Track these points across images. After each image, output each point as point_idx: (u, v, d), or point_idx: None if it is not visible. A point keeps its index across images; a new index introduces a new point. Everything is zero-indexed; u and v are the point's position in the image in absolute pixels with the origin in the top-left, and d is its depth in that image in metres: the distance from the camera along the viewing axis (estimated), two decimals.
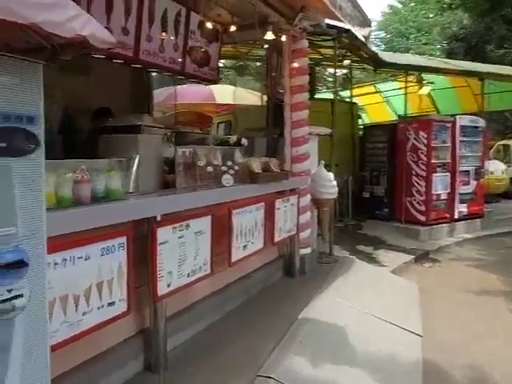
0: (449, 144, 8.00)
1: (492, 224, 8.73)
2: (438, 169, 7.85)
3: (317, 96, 12.29)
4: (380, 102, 16.26)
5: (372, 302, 4.42)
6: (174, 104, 10.95)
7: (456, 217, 8.15)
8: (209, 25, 4.43)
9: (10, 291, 1.47)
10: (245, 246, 3.66)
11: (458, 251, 7.41)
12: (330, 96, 15.74)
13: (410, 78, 13.67)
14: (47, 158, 1.68)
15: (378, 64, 7.53)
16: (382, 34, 37.48)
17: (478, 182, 8.45)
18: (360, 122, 16.19)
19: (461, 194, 8.18)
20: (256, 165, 3.76)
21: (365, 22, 4.10)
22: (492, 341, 3.96)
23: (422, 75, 13.46)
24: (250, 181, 3.69)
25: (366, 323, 3.93)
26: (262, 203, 3.90)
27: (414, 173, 7.92)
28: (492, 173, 9.56)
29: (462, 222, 8.28)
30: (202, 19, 4.42)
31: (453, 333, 4.13)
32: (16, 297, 1.49)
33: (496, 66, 11.52)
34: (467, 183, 8.31)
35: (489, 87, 14.85)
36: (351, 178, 8.58)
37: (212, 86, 12.25)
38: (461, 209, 8.20)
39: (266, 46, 5.19)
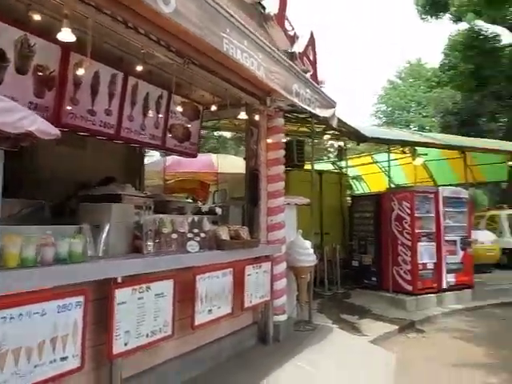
0: (433, 214, 8.24)
1: (483, 295, 8.69)
2: (422, 238, 8.02)
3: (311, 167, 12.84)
4: (377, 173, 16.79)
5: (341, 370, 4.46)
6: (175, 172, 11.54)
7: (444, 287, 8.17)
8: (189, 105, 4.95)
9: None
10: (210, 311, 3.84)
11: (445, 322, 7.36)
12: (330, 166, 16.40)
13: (405, 150, 14.30)
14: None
15: (359, 138, 8.02)
16: (384, 107, 39.37)
17: (465, 251, 8.56)
18: (356, 191, 16.64)
19: (448, 263, 8.26)
20: (224, 232, 4.03)
21: (327, 105, 4.57)
22: None
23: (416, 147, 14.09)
24: (216, 247, 3.95)
25: None
26: (230, 269, 4.12)
27: (399, 242, 8.10)
28: (482, 243, 9.67)
29: (451, 292, 8.27)
30: (183, 100, 4.95)
31: None
32: None
33: (481, 139, 12.02)
34: (454, 253, 8.42)
35: (481, 159, 15.39)
36: (339, 247, 8.78)
37: (213, 155, 12.94)
38: (449, 279, 8.24)
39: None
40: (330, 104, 4.66)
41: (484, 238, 9.78)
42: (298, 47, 5.16)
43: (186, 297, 3.61)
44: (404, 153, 9.71)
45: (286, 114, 8.06)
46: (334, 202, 9.78)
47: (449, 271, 8.26)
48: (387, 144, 8.72)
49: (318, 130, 8.30)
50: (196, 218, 3.91)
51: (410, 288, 7.87)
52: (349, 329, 6.33)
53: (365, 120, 39.89)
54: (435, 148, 9.91)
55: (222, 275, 3.99)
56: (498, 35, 17.80)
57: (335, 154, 16.24)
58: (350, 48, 70.68)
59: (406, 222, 8.02)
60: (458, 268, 8.45)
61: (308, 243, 5.70)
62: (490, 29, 17.50)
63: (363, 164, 16.42)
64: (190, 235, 3.64)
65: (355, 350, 5.30)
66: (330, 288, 8.70)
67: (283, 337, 5.10)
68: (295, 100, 3.79)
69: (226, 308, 4.08)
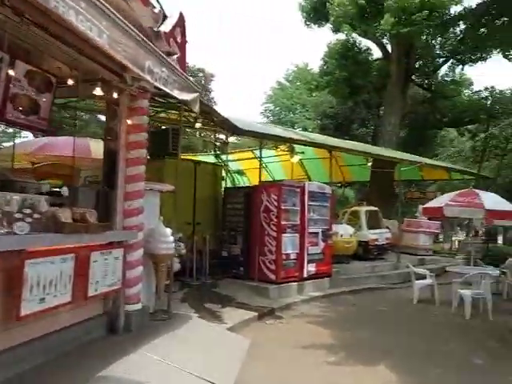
0: (298, 207, 8.70)
1: (339, 283, 9.46)
2: (287, 230, 8.42)
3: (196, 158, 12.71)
4: (257, 168, 17.31)
5: (190, 358, 4.42)
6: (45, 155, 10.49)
7: (305, 276, 8.69)
8: (39, 75, 4.46)
9: None
10: (42, 299, 3.48)
11: (303, 308, 7.82)
12: (213, 159, 16.40)
13: (283, 147, 14.92)
14: None
15: (234, 130, 8.11)
16: (272, 107, 40.96)
17: (325, 243, 9.21)
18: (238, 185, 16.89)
19: (310, 254, 8.81)
20: (65, 214, 3.70)
21: (189, 88, 4.47)
22: None
23: (294, 145, 14.80)
24: (55, 230, 3.60)
25: (173, 379, 3.90)
26: (72, 254, 3.80)
27: (266, 233, 8.40)
28: (342, 235, 10.52)
29: (311, 280, 8.84)
30: (30, 68, 4.44)
31: None
32: None
33: (346, 141, 13.02)
34: (316, 244, 9.01)
35: (350, 161, 16.74)
36: (209, 237, 8.80)
37: (90, 141, 12.05)
38: (310, 268, 8.79)
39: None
40: (193, 88, 4.56)
41: (344, 231, 10.64)
42: (166, 27, 4.97)
43: (11, 284, 3.23)
44: (276, 148, 10.08)
45: (160, 100, 7.84)
46: (208, 193, 9.79)
47: (310, 261, 8.81)
48: (262, 138, 8.95)
49: (192, 119, 8.18)
50: (30, 197, 3.52)
51: (273, 277, 8.22)
52: (209, 317, 6.35)
53: (254, 118, 41.13)
54: (305, 145, 10.51)
55: (60, 260, 3.65)
56: (369, 49, 19.56)
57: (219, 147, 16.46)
58: (245, 48, 72.03)
59: (273, 214, 8.35)
60: (319, 258, 9.06)
61: (169, 231, 5.56)
62: (363, 42, 19.16)
63: (246, 159, 16.87)
64: (19, 215, 3.26)
65: (210, 338, 5.32)
66: (199, 278, 8.68)
67: (136, 326, 4.89)
68: (147, 77, 3.61)
69: (65, 297, 3.75)
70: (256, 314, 6.84)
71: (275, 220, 8.30)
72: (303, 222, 8.74)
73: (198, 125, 8.11)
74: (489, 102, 16.77)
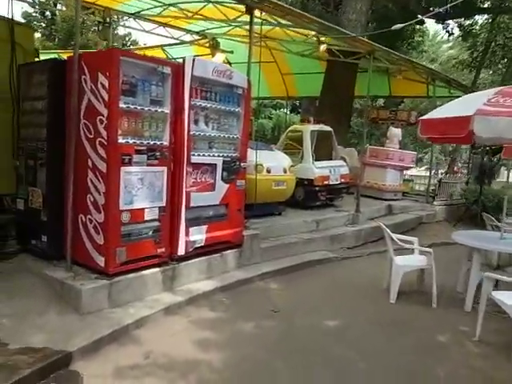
0: (167, 109, 4.02)
1: (257, 256, 5.17)
2: (136, 158, 3.78)
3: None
4: None
5: None
6: None
7: (182, 252, 4.23)
8: None
9: None
10: None
11: (158, 335, 3.46)
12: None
13: (204, 42, 10.17)
14: None
15: None
16: None
17: (231, 184, 4.72)
18: None
19: (193, 207, 4.31)
20: None
21: None
22: None
23: (220, 41, 10.56)
24: None
25: None
26: None
27: (90, 164, 3.75)
28: (269, 171, 6.05)
29: (197, 259, 4.44)
30: None
31: None
32: None
33: None
34: (209, 188, 4.49)
35: (295, 67, 12.30)
36: None
37: None
38: (194, 236, 4.33)
39: None
40: None
41: (272, 162, 6.16)
42: None
43: None
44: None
45: None
46: None
47: (194, 222, 4.33)
48: None
49: None
50: None
51: (101, 261, 3.71)
52: None
53: None
54: None
55: None
56: None
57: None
58: None
59: (101, 121, 3.65)
60: (216, 215, 4.61)
61: None
62: None
63: None
64: None
65: None
66: None
67: None
68: None
69: None
70: None
71: (105, 134, 3.63)
72: (179, 141, 4.12)
73: None
74: None
